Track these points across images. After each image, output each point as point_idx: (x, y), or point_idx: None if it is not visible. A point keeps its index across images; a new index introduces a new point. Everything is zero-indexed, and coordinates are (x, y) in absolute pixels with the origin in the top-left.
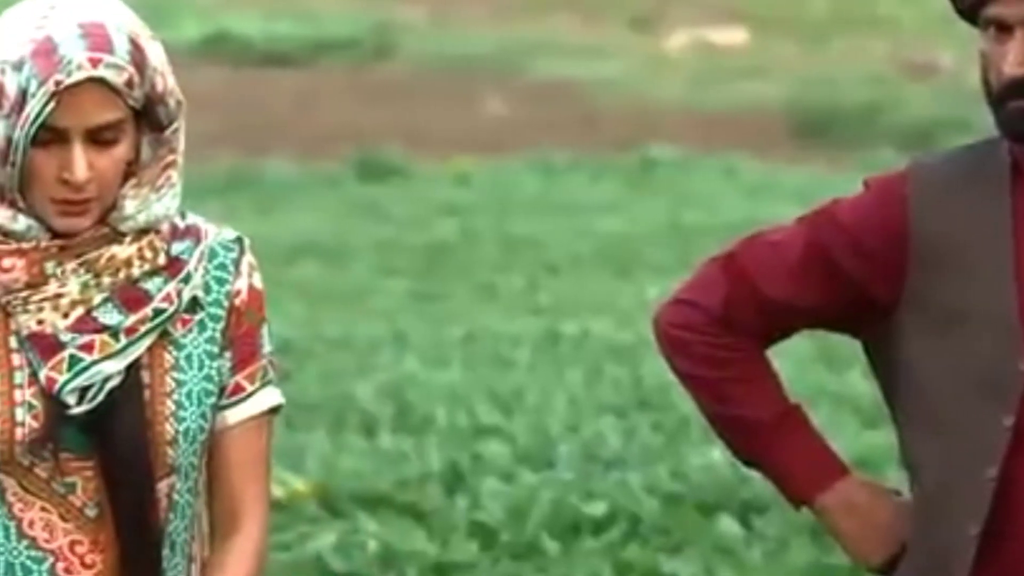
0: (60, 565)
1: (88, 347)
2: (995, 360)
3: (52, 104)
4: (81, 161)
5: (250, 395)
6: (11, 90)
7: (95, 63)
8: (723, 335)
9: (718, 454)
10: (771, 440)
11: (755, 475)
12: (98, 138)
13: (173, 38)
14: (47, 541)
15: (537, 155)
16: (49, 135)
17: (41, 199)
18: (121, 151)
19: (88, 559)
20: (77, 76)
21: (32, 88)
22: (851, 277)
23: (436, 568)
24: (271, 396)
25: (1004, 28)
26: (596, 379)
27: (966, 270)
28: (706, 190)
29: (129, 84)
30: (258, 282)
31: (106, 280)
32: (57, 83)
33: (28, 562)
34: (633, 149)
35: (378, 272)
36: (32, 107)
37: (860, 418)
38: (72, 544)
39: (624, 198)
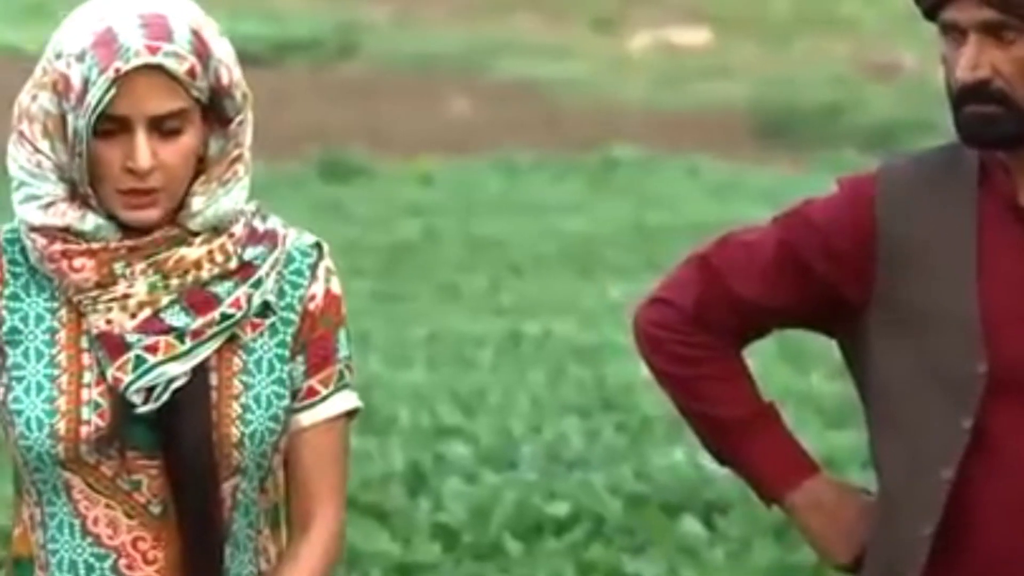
0: (122, 562)
1: (153, 348)
2: (955, 362)
3: (112, 91)
4: (144, 148)
5: (324, 398)
6: (76, 81)
7: (153, 51)
8: (696, 334)
9: (681, 455)
10: (742, 438)
11: (718, 476)
12: (162, 128)
13: None
14: (110, 538)
15: (500, 155)
16: (113, 125)
17: (109, 192)
18: (187, 142)
19: (150, 555)
20: (135, 62)
21: (93, 77)
22: (821, 277)
23: (399, 568)
24: (347, 400)
25: (960, 32)
26: (559, 380)
27: (930, 272)
28: (669, 190)
29: (191, 74)
30: (336, 287)
31: (174, 282)
32: (116, 70)
33: (91, 559)
34: (596, 149)
35: (341, 272)
36: (93, 95)
37: (824, 418)
38: (135, 540)
39: (587, 198)
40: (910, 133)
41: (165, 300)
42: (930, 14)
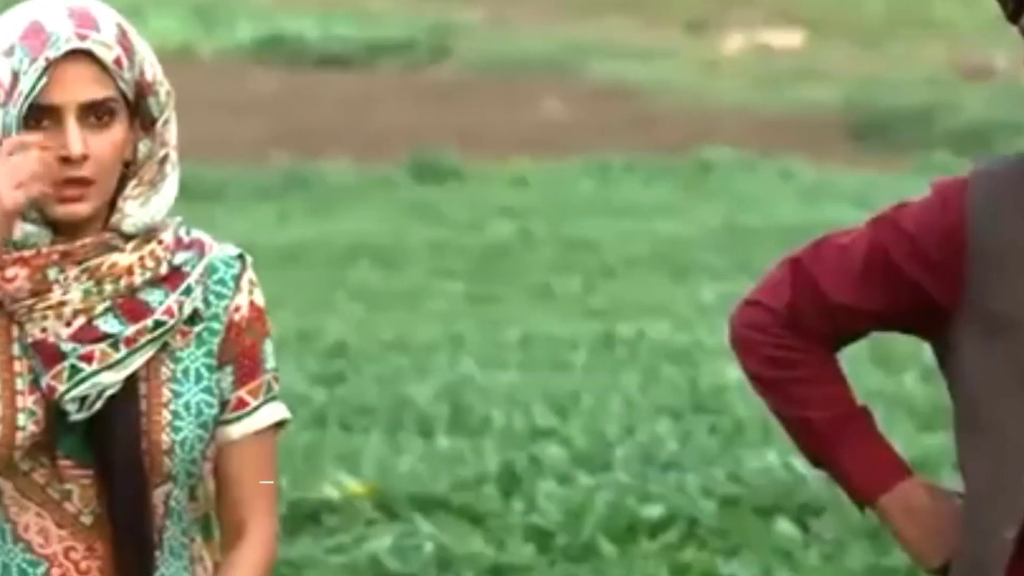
0: (56, 571)
1: (88, 357)
2: None
3: (44, 80)
4: (76, 134)
5: (253, 410)
6: (3, 76)
7: (82, 37)
8: (788, 336)
9: (774, 456)
10: (834, 441)
11: (812, 478)
12: (92, 118)
13: (227, 40)
14: (41, 546)
15: (593, 157)
16: (45, 117)
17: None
18: (117, 135)
19: (83, 565)
20: (65, 48)
21: (24, 67)
22: (912, 281)
23: (492, 570)
24: (275, 411)
25: None
26: (652, 381)
27: (1021, 276)
28: (761, 193)
29: (118, 64)
30: (259, 299)
31: (108, 288)
32: (47, 59)
33: (24, 565)
34: (689, 151)
35: (434, 274)
36: (24, 83)
37: (915, 420)
38: (67, 550)
39: (680, 200)
40: (1004, 134)
41: (99, 307)
42: (1013, 18)
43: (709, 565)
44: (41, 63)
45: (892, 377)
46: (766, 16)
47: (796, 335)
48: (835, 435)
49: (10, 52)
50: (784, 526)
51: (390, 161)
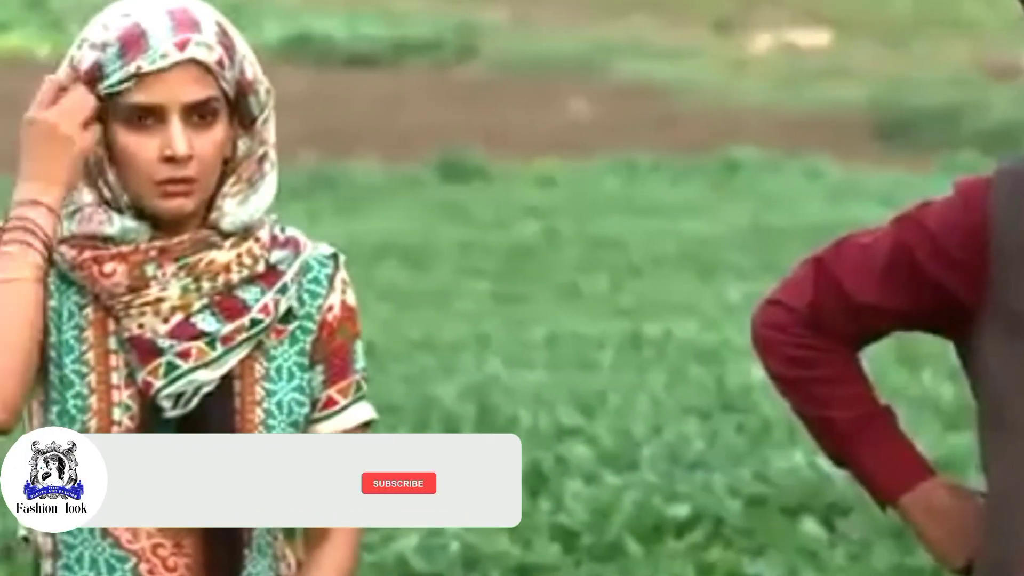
0: (143, 566)
1: (185, 354)
2: None
3: (129, 84)
4: (181, 135)
5: (343, 409)
6: (86, 65)
7: (183, 45)
8: (810, 336)
9: (801, 456)
10: (855, 441)
11: (838, 477)
12: (195, 117)
13: (255, 39)
14: (130, 542)
15: (619, 156)
16: (148, 116)
17: (146, 184)
18: (218, 134)
19: (170, 562)
20: (161, 63)
21: (113, 67)
22: (935, 281)
23: (519, 570)
24: (364, 411)
25: None
26: (679, 381)
27: None
28: (788, 192)
29: (220, 64)
30: (351, 299)
31: (206, 285)
32: (138, 67)
33: (112, 560)
34: (715, 151)
35: (461, 273)
36: (108, 79)
37: (941, 420)
38: (155, 547)
39: (706, 200)
40: None
41: (197, 304)
42: None
43: (735, 565)
44: (131, 69)
45: (918, 376)
46: (793, 16)
47: (817, 335)
48: (857, 435)
49: (102, 48)
50: (810, 526)
51: (417, 161)
